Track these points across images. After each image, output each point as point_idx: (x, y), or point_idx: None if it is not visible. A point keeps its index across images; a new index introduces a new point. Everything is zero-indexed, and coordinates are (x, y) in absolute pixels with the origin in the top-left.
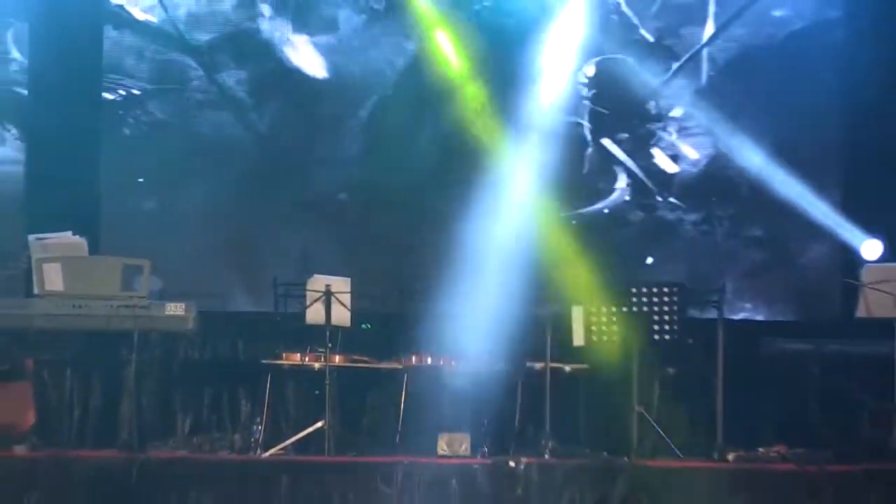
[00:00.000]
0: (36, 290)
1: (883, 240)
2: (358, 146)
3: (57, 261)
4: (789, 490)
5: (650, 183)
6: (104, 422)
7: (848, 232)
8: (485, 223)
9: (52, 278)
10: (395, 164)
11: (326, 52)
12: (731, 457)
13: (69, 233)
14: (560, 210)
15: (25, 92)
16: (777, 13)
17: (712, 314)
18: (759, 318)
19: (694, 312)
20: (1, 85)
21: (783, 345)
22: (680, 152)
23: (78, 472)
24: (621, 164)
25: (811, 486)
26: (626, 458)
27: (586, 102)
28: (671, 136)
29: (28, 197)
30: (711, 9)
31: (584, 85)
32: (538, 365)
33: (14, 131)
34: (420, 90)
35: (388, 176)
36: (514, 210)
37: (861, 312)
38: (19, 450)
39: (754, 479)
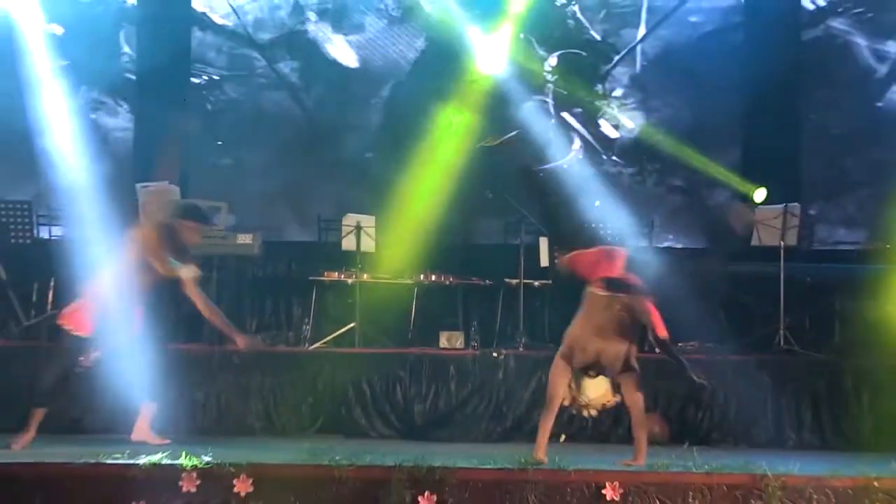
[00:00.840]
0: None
1: (767, 187)
2: (379, 117)
3: (159, 203)
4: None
5: (598, 146)
6: (191, 323)
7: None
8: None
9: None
10: (408, 130)
11: (357, 47)
12: (657, 349)
13: (166, 182)
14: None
15: (134, 77)
16: (693, 19)
17: (644, 242)
18: (679, 246)
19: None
20: (116, 72)
21: (697, 266)
22: (620, 122)
23: (171, 361)
24: (576, 131)
25: (716, 370)
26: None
27: (550, 85)
28: (613, 110)
29: (135, 155)
30: (644, 15)
31: (548, 72)
32: (514, 281)
33: (125, 106)
34: (426, 76)
35: (402, 139)
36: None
37: (755, 242)
38: None
39: (674, 366)
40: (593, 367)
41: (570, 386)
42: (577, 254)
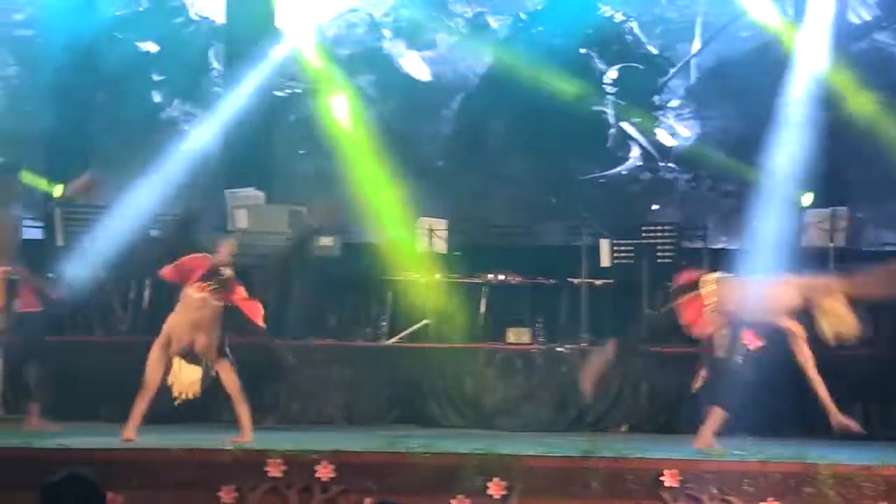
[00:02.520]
0: (229, 228)
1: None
2: (450, 127)
3: (243, 207)
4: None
5: (655, 153)
6: (276, 319)
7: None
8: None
9: (240, 219)
10: (476, 139)
11: (429, 62)
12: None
13: (252, 188)
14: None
15: (222, 90)
16: (744, 34)
17: (698, 244)
18: (733, 247)
19: (686, 243)
20: (206, 86)
21: None
22: (676, 132)
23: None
24: (634, 139)
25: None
26: (641, 345)
27: (610, 96)
28: (670, 120)
29: (224, 163)
30: (698, 31)
31: (609, 84)
32: (577, 280)
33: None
34: (493, 88)
35: (470, 148)
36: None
37: (804, 243)
38: None
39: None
40: (189, 355)
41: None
42: (177, 263)
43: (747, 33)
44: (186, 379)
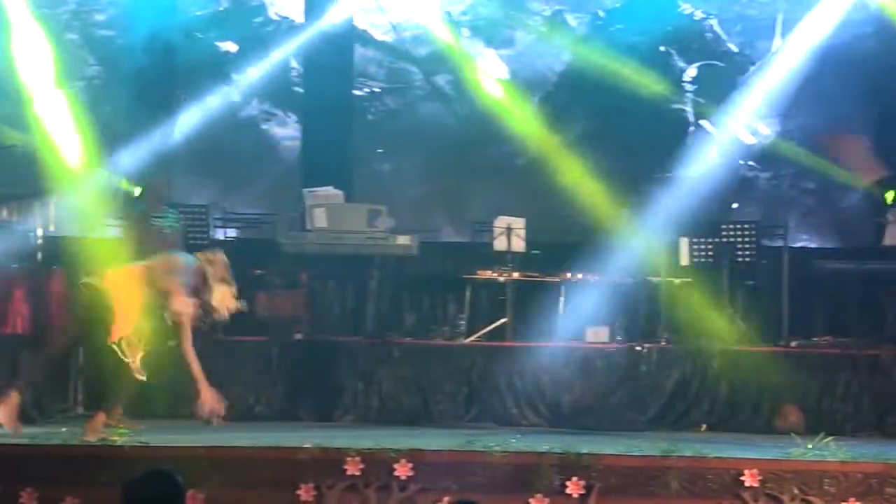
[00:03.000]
0: (308, 227)
1: None
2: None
3: (322, 206)
4: (835, 367)
5: (735, 151)
6: (355, 318)
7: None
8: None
9: (319, 218)
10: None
11: (507, 60)
12: (793, 344)
13: (331, 187)
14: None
15: (301, 90)
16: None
17: (779, 243)
18: (813, 245)
19: (766, 241)
20: (285, 85)
21: (830, 264)
22: (756, 130)
23: (337, 352)
24: (714, 138)
25: (851, 364)
26: (719, 344)
27: (689, 94)
28: (750, 117)
29: (303, 162)
30: (778, 28)
31: (688, 82)
32: (655, 279)
33: (294, 117)
34: (572, 86)
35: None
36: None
37: (886, 241)
38: (297, 336)
39: (810, 360)
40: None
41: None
42: None
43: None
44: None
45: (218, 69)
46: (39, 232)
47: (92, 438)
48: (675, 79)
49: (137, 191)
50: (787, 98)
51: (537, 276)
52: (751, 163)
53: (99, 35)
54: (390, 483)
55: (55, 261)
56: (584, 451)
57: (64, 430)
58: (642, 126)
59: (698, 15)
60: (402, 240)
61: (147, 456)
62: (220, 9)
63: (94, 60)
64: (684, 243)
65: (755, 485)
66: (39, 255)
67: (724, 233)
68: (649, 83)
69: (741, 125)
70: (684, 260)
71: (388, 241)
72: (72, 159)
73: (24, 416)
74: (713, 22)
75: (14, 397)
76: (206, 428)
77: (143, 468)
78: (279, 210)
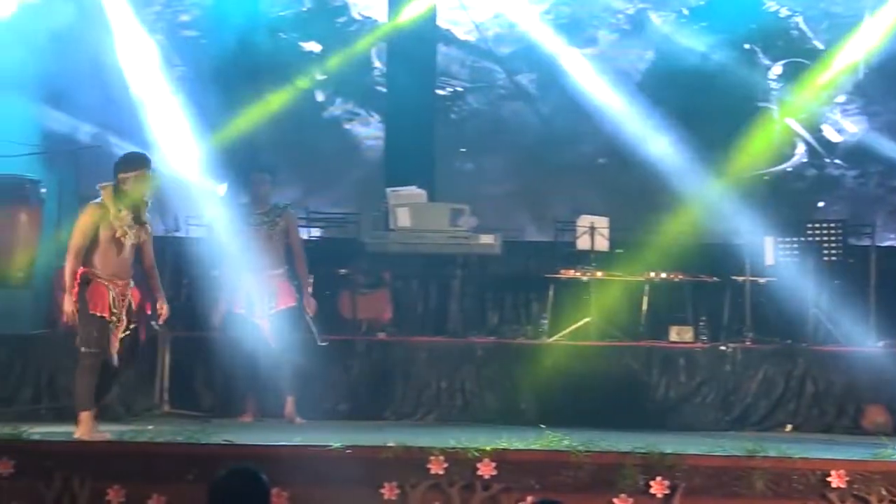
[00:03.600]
0: (391, 226)
1: None
2: (611, 125)
3: (405, 206)
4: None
5: (821, 149)
6: (437, 317)
7: None
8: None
9: (403, 218)
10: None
11: (590, 59)
12: (881, 344)
13: (414, 186)
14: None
15: (384, 89)
16: None
17: (866, 242)
18: None
19: (853, 240)
20: (367, 85)
21: None
22: (842, 127)
23: (420, 352)
24: (800, 136)
25: None
26: (804, 344)
27: (774, 92)
28: (836, 115)
29: (386, 162)
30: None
31: (774, 80)
32: (741, 278)
33: (377, 117)
34: (655, 85)
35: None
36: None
37: None
38: (381, 335)
39: None
40: None
41: None
42: None
43: None
44: None
45: (301, 69)
46: None
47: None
48: (761, 77)
49: (222, 190)
50: (875, 95)
51: (620, 275)
52: (837, 161)
53: (184, 36)
54: (473, 482)
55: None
56: (668, 450)
57: (150, 427)
58: (726, 124)
59: (783, 13)
60: (485, 239)
61: (232, 454)
62: (304, 9)
63: (179, 61)
64: (769, 242)
65: (842, 486)
66: None
67: (809, 232)
68: (734, 82)
69: (827, 123)
70: (769, 259)
71: (470, 241)
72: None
73: (111, 414)
74: (798, 19)
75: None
76: (291, 427)
77: (229, 466)
78: (362, 209)
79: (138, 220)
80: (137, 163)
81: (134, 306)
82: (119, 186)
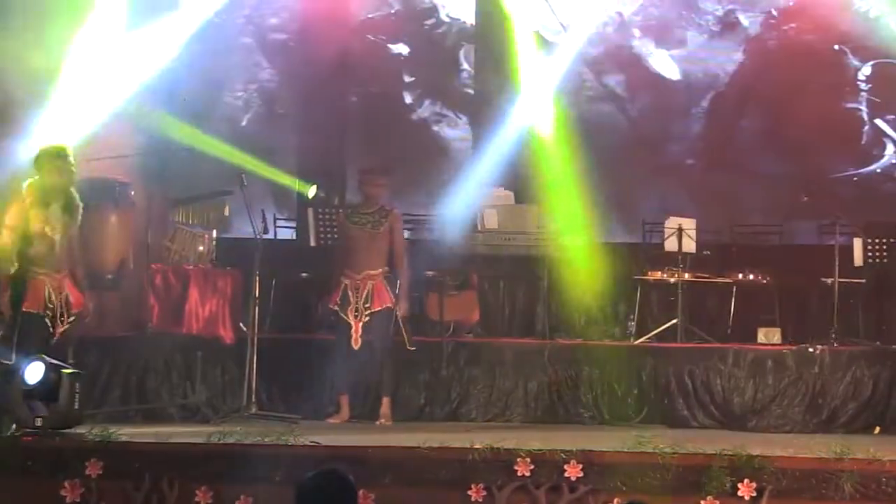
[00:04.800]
0: (479, 228)
1: None
2: (700, 127)
3: (493, 207)
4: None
5: None
6: (524, 318)
7: None
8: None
9: (490, 219)
10: (726, 138)
11: (678, 61)
12: None
13: (501, 188)
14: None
15: (472, 91)
16: None
17: None
18: None
19: None
20: (455, 87)
21: None
22: None
23: (508, 353)
24: (889, 136)
25: None
26: (893, 347)
27: (863, 93)
28: None
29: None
30: None
31: (862, 81)
32: (828, 280)
33: (464, 119)
34: (744, 86)
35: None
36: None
37: None
38: (468, 337)
39: None
40: None
41: None
42: None
43: None
44: None
45: (390, 71)
46: (214, 233)
47: None
48: (850, 77)
49: (312, 191)
50: None
51: (708, 277)
52: None
53: (272, 39)
54: (560, 484)
55: (230, 262)
56: (756, 452)
57: (238, 429)
58: (815, 125)
59: (874, 13)
60: (572, 241)
61: (319, 455)
62: (392, 11)
63: (267, 64)
64: (858, 243)
65: None
66: (214, 256)
67: None
68: (823, 82)
69: None
70: (858, 260)
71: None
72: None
73: (199, 416)
74: (890, 20)
75: None
76: (377, 428)
77: (316, 468)
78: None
79: (66, 212)
80: (49, 155)
81: (72, 299)
82: (38, 180)
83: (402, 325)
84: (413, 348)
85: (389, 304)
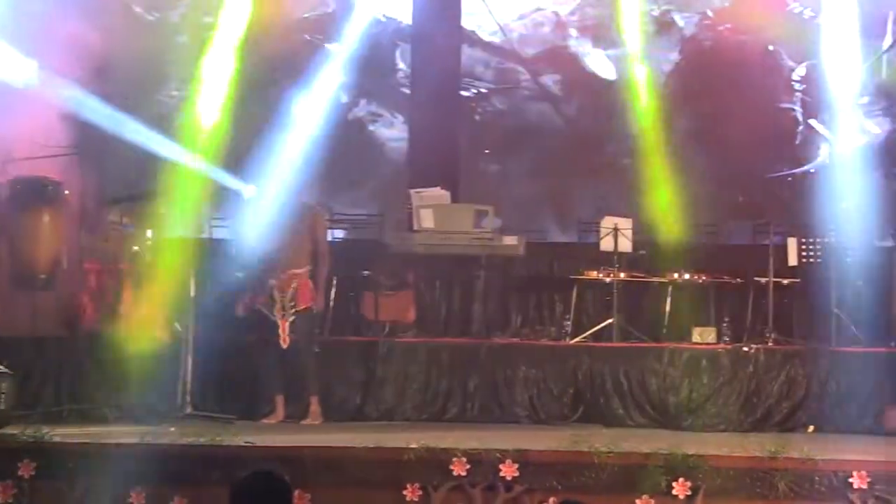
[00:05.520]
0: (415, 227)
1: None
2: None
3: (429, 207)
4: None
5: (844, 150)
6: (461, 318)
7: None
8: None
9: (426, 219)
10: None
11: (615, 60)
12: None
13: (438, 188)
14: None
15: (408, 91)
16: None
17: (890, 243)
18: None
19: (876, 241)
20: (392, 87)
21: None
22: (866, 128)
23: (444, 353)
24: (823, 137)
25: None
26: (827, 345)
27: (798, 94)
28: (860, 116)
29: (410, 163)
30: (890, 25)
31: (797, 81)
32: (763, 279)
33: (400, 118)
34: (680, 85)
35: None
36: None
37: None
38: (404, 337)
39: None
40: None
41: None
42: None
43: None
44: None
45: (326, 71)
46: (150, 233)
47: None
48: (785, 78)
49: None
50: None
51: (644, 277)
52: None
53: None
54: (496, 483)
55: (164, 262)
56: (690, 452)
57: (173, 429)
58: (750, 125)
59: (807, 13)
60: (509, 240)
61: (254, 456)
62: (328, 10)
63: None
64: (793, 243)
65: (864, 486)
66: (148, 256)
67: (833, 232)
68: (757, 82)
69: (851, 124)
70: (792, 260)
71: (494, 242)
72: (188, 161)
73: (133, 417)
74: (822, 20)
75: None
76: (313, 428)
77: (251, 468)
78: (386, 211)
79: None
80: None
81: None
82: None
83: (317, 324)
84: (317, 350)
85: (311, 304)
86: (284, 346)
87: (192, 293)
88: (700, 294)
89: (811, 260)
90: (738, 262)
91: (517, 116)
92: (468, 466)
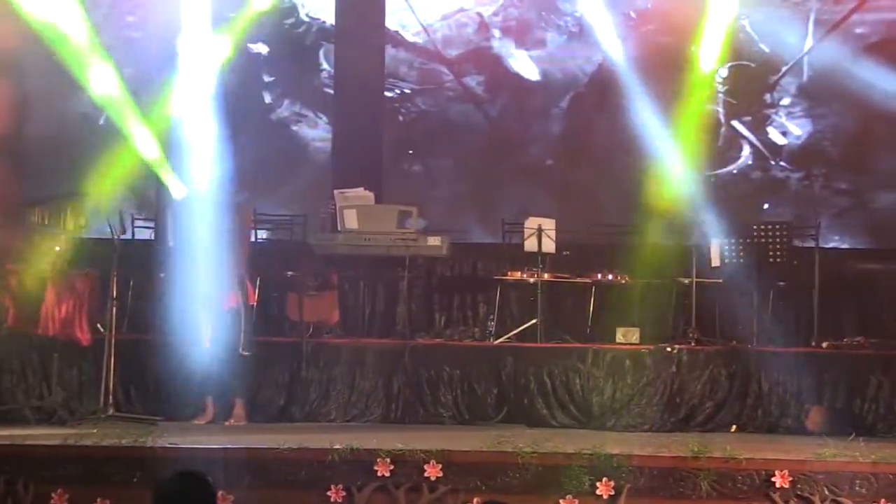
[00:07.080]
0: (339, 228)
1: None
2: (559, 126)
3: (353, 207)
4: (867, 368)
5: (766, 152)
6: (385, 319)
7: None
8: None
9: (350, 219)
10: (586, 139)
11: (538, 61)
12: (824, 345)
13: (361, 188)
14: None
15: (332, 91)
16: (858, 30)
17: (811, 243)
18: (844, 246)
19: (797, 242)
20: (316, 87)
21: (862, 265)
22: (787, 130)
23: (368, 354)
24: (745, 138)
25: (883, 364)
26: (749, 345)
27: (720, 95)
28: (781, 118)
29: (334, 163)
30: (811, 28)
31: (719, 82)
32: (687, 280)
33: (324, 118)
34: (603, 87)
35: (580, 147)
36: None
37: None
38: (328, 337)
39: (841, 360)
40: None
41: None
42: None
43: (861, 29)
44: None
45: (249, 71)
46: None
47: None
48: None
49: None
50: (820, 98)
51: (568, 277)
52: (782, 163)
53: (128, 36)
54: (420, 484)
55: (86, 263)
56: (614, 451)
57: (95, 431)
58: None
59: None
60: (433, 241)
61: (178, 457)
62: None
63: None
64: (715, 244)
65: (785, 486)
66: (71, 256)
67: (755, 233)
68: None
69: (773, 125)
70: (715, 261)
71: (418, 242)
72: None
73: (56, 418)
74: (745, 22)
75: None
76: (237, 430)
77: (174, 469)
78: (310, 211)
79: None
80: None
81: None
82: None
83: (241, 326)
84: (246, 353)
85: (235, 305)
86: (207, 345)
87: (114, 294)
88: (624, 294)
89: (734, 261)
90: (662, 262)
91: (441, 117)
92: (392, 467)
